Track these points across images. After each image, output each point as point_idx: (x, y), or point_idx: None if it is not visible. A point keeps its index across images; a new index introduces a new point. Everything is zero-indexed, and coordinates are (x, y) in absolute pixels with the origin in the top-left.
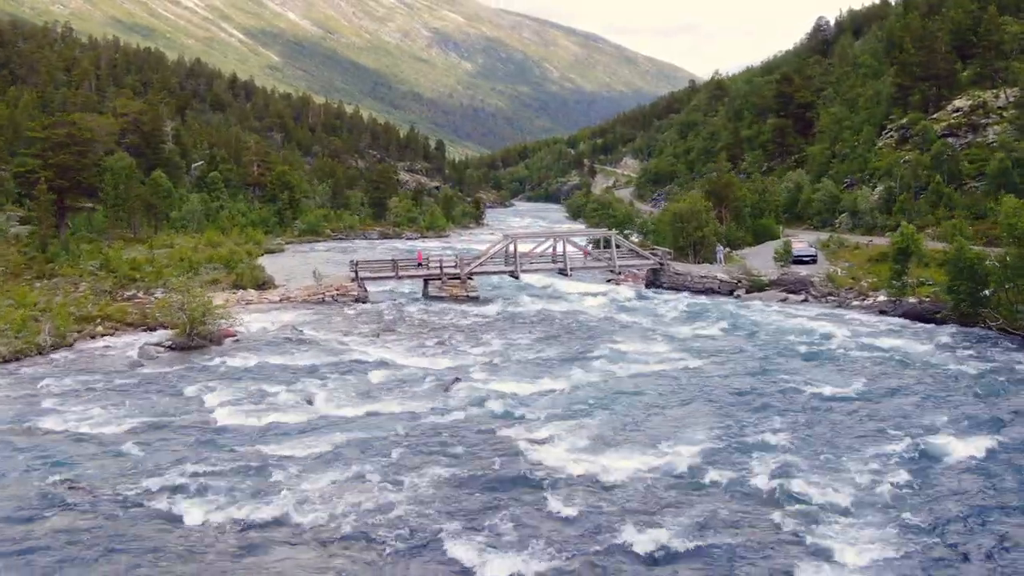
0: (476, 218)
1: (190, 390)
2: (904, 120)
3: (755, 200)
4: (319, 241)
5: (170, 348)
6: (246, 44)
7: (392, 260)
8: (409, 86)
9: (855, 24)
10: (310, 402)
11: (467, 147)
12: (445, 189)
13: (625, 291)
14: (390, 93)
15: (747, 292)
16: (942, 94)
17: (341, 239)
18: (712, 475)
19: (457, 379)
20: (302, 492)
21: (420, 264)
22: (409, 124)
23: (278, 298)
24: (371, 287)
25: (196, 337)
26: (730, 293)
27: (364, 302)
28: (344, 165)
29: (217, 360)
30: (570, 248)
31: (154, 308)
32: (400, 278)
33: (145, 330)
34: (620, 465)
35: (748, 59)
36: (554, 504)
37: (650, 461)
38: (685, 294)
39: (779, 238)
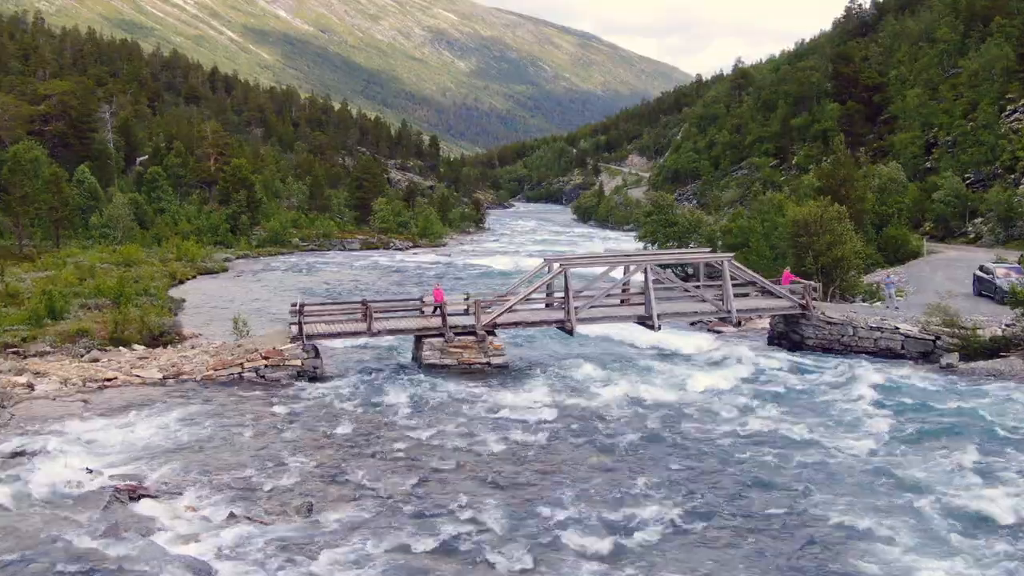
0: (476, 221)
1: None
2: None
3: (873, 201)
4: (283, 254)
5: None
6: (237, 42)
7: (361, 302)
8: (403, 85)
9: (900, 3)
10: None
11: (462, 147)
12: (441, 188)
13: (745, 352)
14: (383, 92)
15: (960, 358)
16: None
17: (313, 250)
18: None
19: None
20: None
21: (437, 307)
22: (401, 122)
23: (160, 374)
24: (327, 344)
25: None
26: (925, 357)
27: (313, 378)
28: (329, 162)
29: None
30: (649, 278)
31: None
32: (376, 334)
33: None
34: None
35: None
36: None
37: None
38: (848, 359)
39: (922, 255)
